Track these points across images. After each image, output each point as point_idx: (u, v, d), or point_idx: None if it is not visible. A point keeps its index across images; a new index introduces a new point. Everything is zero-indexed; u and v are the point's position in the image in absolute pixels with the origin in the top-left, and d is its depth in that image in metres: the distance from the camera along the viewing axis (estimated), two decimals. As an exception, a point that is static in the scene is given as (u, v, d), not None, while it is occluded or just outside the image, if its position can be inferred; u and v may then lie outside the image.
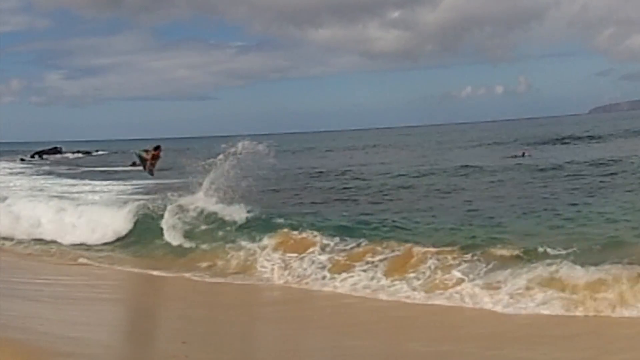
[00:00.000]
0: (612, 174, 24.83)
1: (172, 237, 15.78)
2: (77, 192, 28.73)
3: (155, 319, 10.36)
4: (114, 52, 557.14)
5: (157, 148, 19.60)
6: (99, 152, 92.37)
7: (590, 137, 56.13)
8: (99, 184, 33.81)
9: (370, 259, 11.64)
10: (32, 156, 75.70)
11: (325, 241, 12.85)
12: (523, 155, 42.92)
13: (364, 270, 11.35)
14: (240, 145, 18.54)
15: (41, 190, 29.79)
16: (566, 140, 55.14)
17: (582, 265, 9.47)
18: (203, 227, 15.77)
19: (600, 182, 22.00)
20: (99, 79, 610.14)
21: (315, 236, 13.26)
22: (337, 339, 8.52)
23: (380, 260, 11.53)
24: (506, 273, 9.88)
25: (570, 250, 10.24)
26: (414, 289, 10.27)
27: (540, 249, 10.57)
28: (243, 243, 13.96)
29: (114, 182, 34.76)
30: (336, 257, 12.18)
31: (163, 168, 23.37)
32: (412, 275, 10.71)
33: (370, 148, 66.28)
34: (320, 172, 34.87)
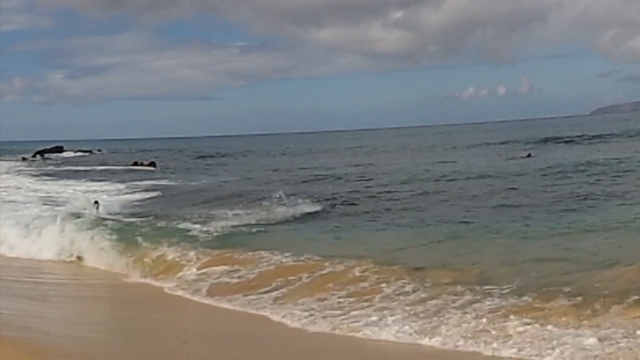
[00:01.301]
0: (610, 177, 24.83)
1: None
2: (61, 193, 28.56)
3: (154, 319, 10.43)
4: (117, 52, 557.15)
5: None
6: (101, 152, 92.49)
7: (593, 138, 56.23)
8: (93, 185, 33.86)
9: (291, 277, 11.35)
10: (34, 155, 75.84)
11: (271, 255, 12.76)
12: (529, 156, 42.98)
13: (270, 290, 10.99)
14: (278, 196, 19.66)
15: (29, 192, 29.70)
16: (569, 141, 55.30)
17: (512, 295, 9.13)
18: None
19: (597, 188, 21.74)
20: (102, 78, 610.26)
21: (258, 252, 13.14)
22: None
23: (305, 279, 11.21)
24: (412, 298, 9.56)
25: (517, 280, 9.78)
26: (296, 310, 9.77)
27: (485, 276, 10.24)
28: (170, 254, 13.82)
29: (108, 183, 34.80)
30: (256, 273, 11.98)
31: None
32: (313, 298, 10.24)
33: (371, 150, 65.83)
34: (316, 174, 34.78)
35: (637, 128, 63.06)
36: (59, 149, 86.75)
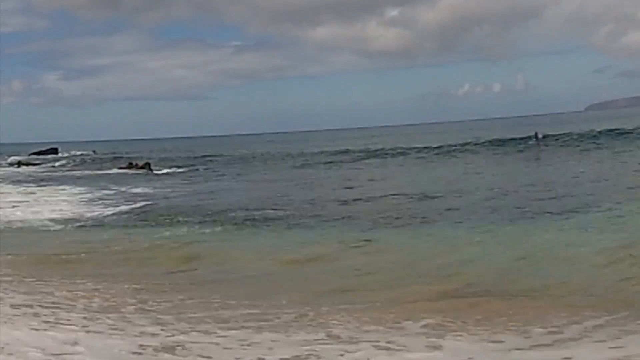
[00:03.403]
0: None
1: None
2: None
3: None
4: (113, 53, 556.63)
5: None
6: (96, 153, 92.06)
7: (595, 136, 56.40)
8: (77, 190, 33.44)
9: None
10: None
11: None
12: (536, 136, 42.95)
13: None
14: None
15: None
16: (573, 136, 55.65)
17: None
18: None
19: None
20: (98, 80, 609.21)
21: None
22: None
23: None
24: None
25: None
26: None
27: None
28: None
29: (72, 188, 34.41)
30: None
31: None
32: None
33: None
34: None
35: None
36: (54, 151, 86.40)
